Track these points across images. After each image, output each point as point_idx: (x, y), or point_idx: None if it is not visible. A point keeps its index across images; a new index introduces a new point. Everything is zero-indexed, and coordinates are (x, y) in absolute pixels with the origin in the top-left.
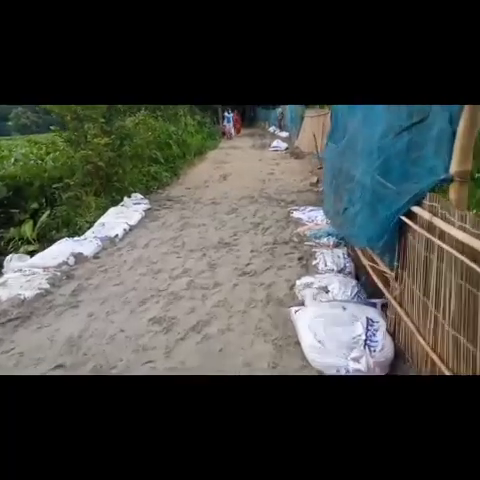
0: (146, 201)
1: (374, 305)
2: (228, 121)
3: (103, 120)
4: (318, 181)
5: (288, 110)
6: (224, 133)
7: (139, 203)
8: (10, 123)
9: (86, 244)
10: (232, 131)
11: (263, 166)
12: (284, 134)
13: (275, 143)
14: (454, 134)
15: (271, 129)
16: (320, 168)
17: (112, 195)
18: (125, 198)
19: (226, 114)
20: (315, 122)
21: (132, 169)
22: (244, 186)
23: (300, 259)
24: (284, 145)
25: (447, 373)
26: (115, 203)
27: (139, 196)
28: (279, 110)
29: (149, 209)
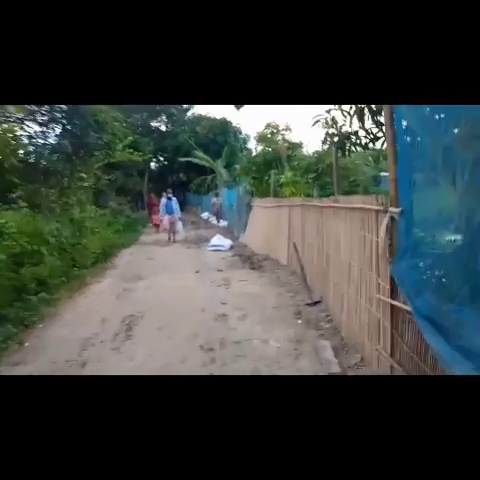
0: None
1: None
2: (170, 210)
3: None
4: (361, 359)
5: (225, 196)
6: (157, 225)
7: None
8: None
9: None
10: (179, 227)
11: (203, 292)
12: (222, 223)
13: (215, 240)
14: None
15: (204, 215)
16: (312, 304)
17: None
18: None
19: (163, 199)
20: (274, 215)
21: None
22: (172, 371)
23: None
24: (228, 243)
25: None
26: None
27: None
28: (217, 199)
29: None
